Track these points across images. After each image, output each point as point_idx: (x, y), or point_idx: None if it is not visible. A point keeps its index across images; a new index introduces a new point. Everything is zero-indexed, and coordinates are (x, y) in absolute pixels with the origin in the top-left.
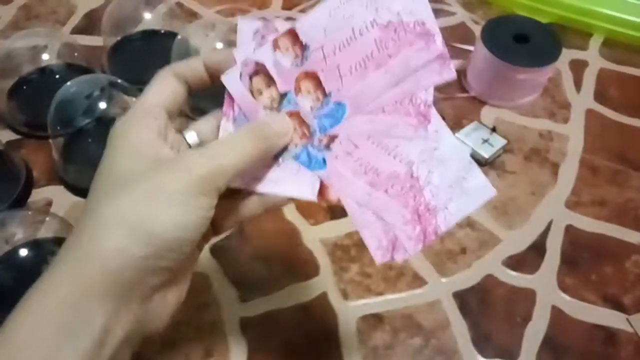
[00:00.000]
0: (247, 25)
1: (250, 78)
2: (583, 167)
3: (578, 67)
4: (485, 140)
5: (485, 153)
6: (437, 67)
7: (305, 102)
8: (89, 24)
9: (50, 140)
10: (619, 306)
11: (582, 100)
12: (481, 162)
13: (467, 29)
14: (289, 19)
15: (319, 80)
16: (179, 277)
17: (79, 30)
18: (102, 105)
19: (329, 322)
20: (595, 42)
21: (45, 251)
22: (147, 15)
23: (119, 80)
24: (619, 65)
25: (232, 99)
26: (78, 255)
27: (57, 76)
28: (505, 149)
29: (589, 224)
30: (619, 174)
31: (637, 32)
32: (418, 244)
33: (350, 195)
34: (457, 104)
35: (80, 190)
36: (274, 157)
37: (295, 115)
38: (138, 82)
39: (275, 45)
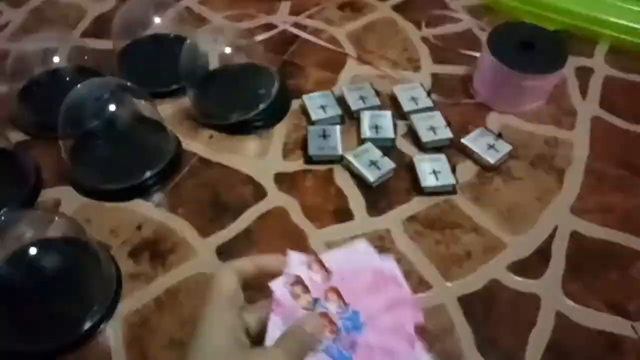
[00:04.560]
0: (293, 254)
1: (292, 285)
2: (588, 174)
3: (584, 75)
4: (491, 146)
5: (491, 158)
6: (410, 307)
7: (332, 307)
8: (99, 27)
9: (60, 142)
10: (623, 313)
11: (588, 108)
12: (487, 168)
13: (473, 36)
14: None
15: (340, 294)
16: None
17: (89, 33)
18: (112, 107)
19: None
20: (601, 50)
21: (53, 250)
22: (157, 20)
23: (128, 84)
24: (625, 73)
25: (278, 300)
26: None
27: (67, 79)
28: (511, 155)
29: (594, 231)
30: (624, 181)
31: None
32: None
33: None
34: (463, 109)
35: (89, 191)
36: None
37: (325, 315)
38: (147, 85)
39: (310, 267)
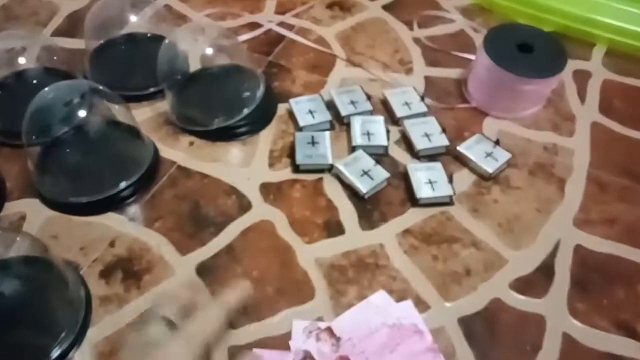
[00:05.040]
0: (298, 324)
1: None
2: (590, 183)
3: (581, 78)
4: (489, 154)
5: (489, 167)
6: (431, 355)
7: None
8: (71, 26)
9: (26, 150)
10: (632, 333)
11: (587, 112)
12: (485, 177)
13: (466, 37)
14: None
15: None
16: None
17: (60, 32)
18: (82, 113)
19: None
20: (598, 52)
21: (15, 273)
22: (133, 18)
23: (101, 87)
24: (623, 77)
25: None
26: None
27: (35, 81)
28: (509, 163)
29: (598, 244)
30: (627, 190)
31: None
32: None
33: None
34: (458, 114)
35: (57, 204)
36: None
37: None
38: (122, 88)
39: (318, 338)
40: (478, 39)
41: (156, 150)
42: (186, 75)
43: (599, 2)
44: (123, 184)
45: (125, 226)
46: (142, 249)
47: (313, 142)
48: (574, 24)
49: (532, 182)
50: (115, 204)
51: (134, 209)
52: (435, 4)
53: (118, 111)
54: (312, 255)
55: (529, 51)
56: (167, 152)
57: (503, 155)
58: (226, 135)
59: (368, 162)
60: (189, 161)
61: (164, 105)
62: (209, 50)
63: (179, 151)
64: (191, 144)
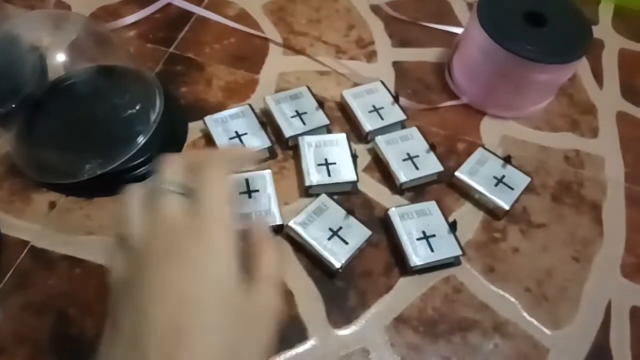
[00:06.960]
0: None
1: None
2: (632, 205)
3: (593, 51)
4: (499, 180)
5: (504, 202)
6: None
7: None
8: None
9: None
10: None
11: (609, 99)
12: (497, 215)
13: (440, 0)
14: None
15: None
16: None
17: None
18: None
19: None
20: (605, 13)
21: None
22: None
23: None
24: None
25: None
26: None
27: None
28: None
29: None
30: None
31: None
32: None
33: None
34: (445, 116)
35: None
36: None
37: None
38: None
39: None
40: (457, 2)
41: None
42: (34, 93)
43: None
44: None
45: None
46: None
47: (249, 191)
48: None
49: (560, 214)
50: None
51: None
52: None
53: None
54: None
55: (540, 24)
56: (12, 224)
57: (519, 180)
58: (108, 186)
59: (336, 212)
60: (48, 237)
61: (4, 144)
62: (69, 51)
63: (31, 222)
64: (52, 206)
